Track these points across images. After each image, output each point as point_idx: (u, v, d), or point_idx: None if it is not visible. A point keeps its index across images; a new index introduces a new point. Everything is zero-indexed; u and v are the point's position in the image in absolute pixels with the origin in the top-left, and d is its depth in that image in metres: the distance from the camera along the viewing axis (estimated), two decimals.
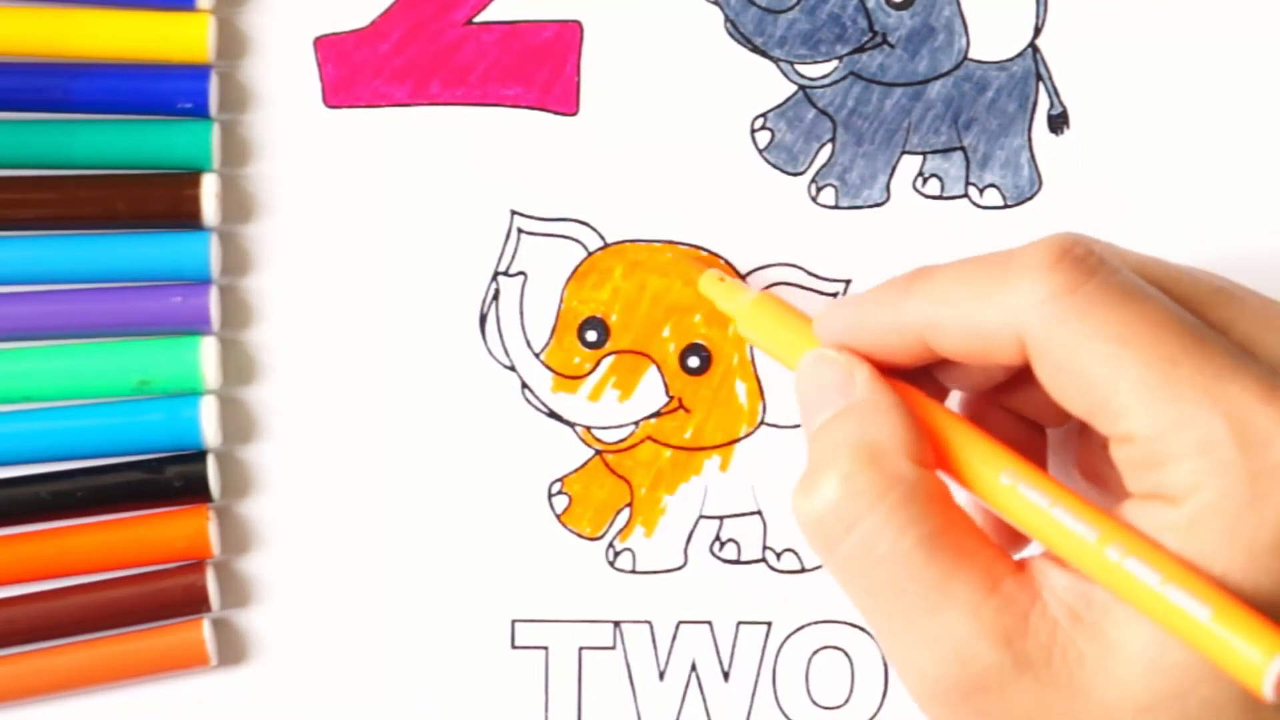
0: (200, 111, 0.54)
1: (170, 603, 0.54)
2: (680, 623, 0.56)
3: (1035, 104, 0.56)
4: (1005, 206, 0.56)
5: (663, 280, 0.55)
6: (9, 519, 0.54)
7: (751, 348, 0.55)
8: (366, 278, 0.55)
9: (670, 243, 0.56)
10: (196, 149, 0.54)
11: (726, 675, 0.56)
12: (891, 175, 0.56)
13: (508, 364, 0.56)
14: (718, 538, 0.56)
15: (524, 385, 0.56)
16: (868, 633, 0.56)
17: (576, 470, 0.56)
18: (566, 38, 0.55)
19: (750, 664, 0.56)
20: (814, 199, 0.56)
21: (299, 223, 0.55)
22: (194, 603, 0.54)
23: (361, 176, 0.55)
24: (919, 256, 0.55)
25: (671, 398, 0.56)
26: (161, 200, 0.54)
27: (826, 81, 0.56)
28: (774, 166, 0.56)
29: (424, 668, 0.56)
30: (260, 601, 0.56)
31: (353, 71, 0.55)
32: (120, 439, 0.54)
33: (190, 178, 0.54)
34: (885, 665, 0.56)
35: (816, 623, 0.56)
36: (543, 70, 0.55)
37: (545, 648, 0.56)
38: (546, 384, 0.56)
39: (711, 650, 0.56)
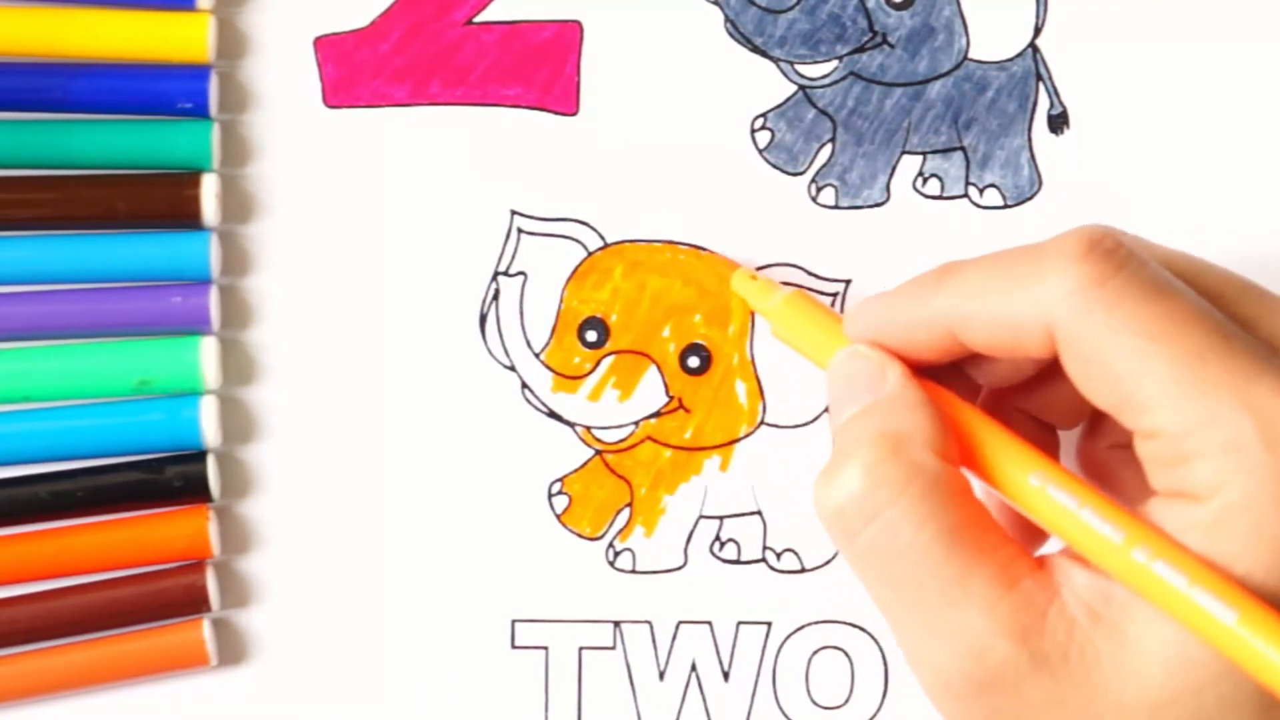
0: (200, 111, 0.54)
1: (170, 603, 0.54)
2: (680, 623, 0.56)
3: (1035, 104, 0.56)
4: (1005, 206, 0.56)
5: (663, 280, 0.55)
6: (9, 519, 0.54)
7: (751, 347, 0.55)
8: (366, 278, 0.55)
9: (670, 243, 0.56)
10: (196, 149, 0.54)
11: (726, 675, 0.56)
12: (891, 175, 0.56)
13: (508, 364, 0.56)
14: (718, 538, 0.56)
15: (524, 385, 0.56)
16: (868, 633, 0.56)
17: (576, 470, 0.56)
18: (566, 38, 0.55)
19: (750, 664, 0.56)
20: (814, 199, 0.56)
21: (299, 223, 0.55)
22: (194, 603, 0.54)
23: (361, 176, 0.55)
24: (919, 256, 0.55)
25: (671, 398, 0.56)
26: (161, 200, 0.54)
27: (826, 81, 0.56)
28: (774, 166, 0.56)
29: (424, 668, 0.56)
30: (260, 601, 0.56)
31: (353, 71, 0.55)
32: (120, 439, 0.54)
33: (190, 178, 0.54)
34: (885, 665, 0.56)
35: (816, 623, 0.56)
36: (543, 70, 0.55)
37: (545, 648, 0.56)
38: (546, 384, 0.56)
39: (711, 650, 0.56)
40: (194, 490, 0.54)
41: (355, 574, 0.55)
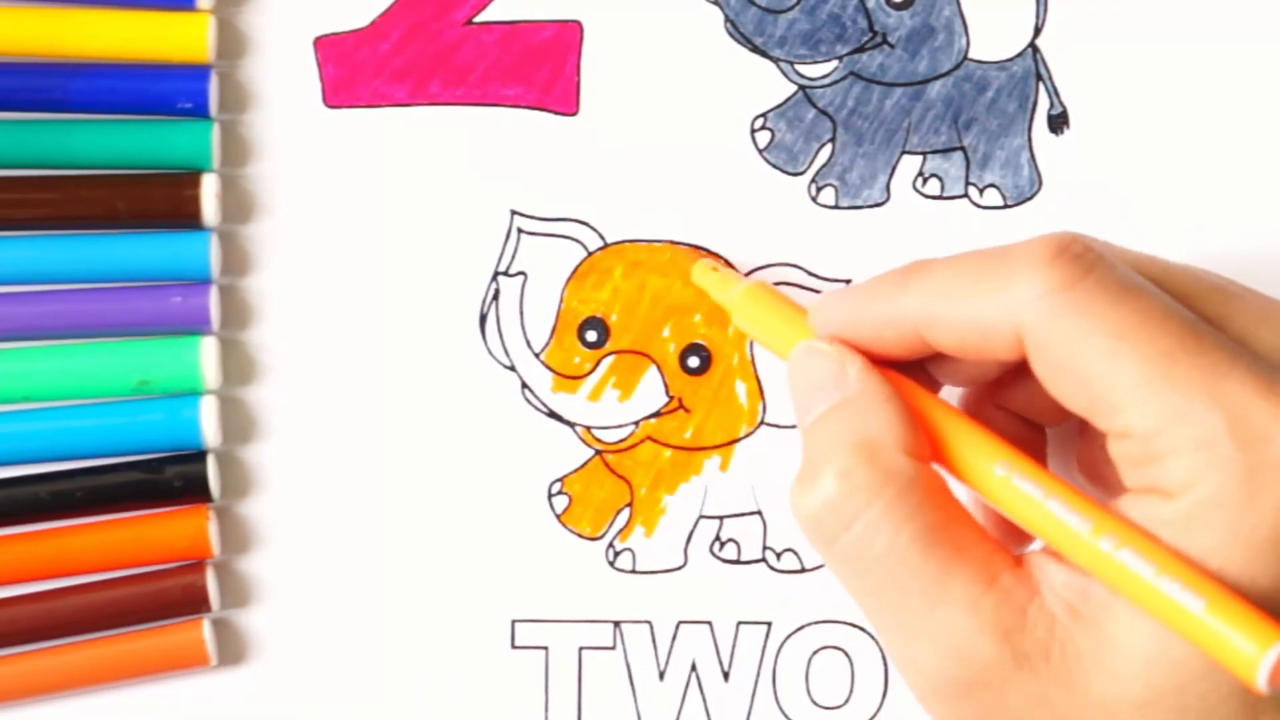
0: (200, 111, 0.54)
1: (170, 603, 0.54)
2: (680, 623, 0.56)
3: (1035, 104, 0.56)
4: (1005, 206, 0.56)
5: (663, 280, 0.55)
6: (9, 519, 0.54)
7: (751, 347, 0.55)
8: (366, 278, 0.55)
9: (671, 243, 0.56)
10: (196, 149, 0.54)
11: (726, 675, 0.56)
12: (891, 175, 0.56)
13: (508, 364, 0.56)
14: (718, 538, 0.56)
15: (524, 385, 0.56)
16: (868, 633, 0.56)
17: (576, 470, 0.56)
18: (566, 38, 0.55)
19: (750, 664, 0.56)
20: (814, 199, 0.56)
21: (299, 223, 0.55)
22: (194, 603, 0.54)
23: (361, 176, 0.55)
24: (919, 256, 0.55)
25: (671, 398, 0.56)
26: (161, 200, 0.54)
27: (826, 81, 0.56)
28: (774, 166, 0.56)
29: (424, 668, 0.56)
30: (260, 601, 0.56)
31: (353, 71, 0.55)
32: (120, 439, 0.54)
33: (190, 178, 0.54)
34: (885, 665, 0.56)
35: (816, 623, 0.56)
36: (543, 70, 0.55)
37: (545, 648, 0.56)
38: (546, 384, 0.56)
39: (711, 650, 0.56)
40: (194, 490, 0.54)
41: (355, 574, 0.55)
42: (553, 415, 0.56)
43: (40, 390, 0.54)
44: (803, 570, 0.56)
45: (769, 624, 0.56)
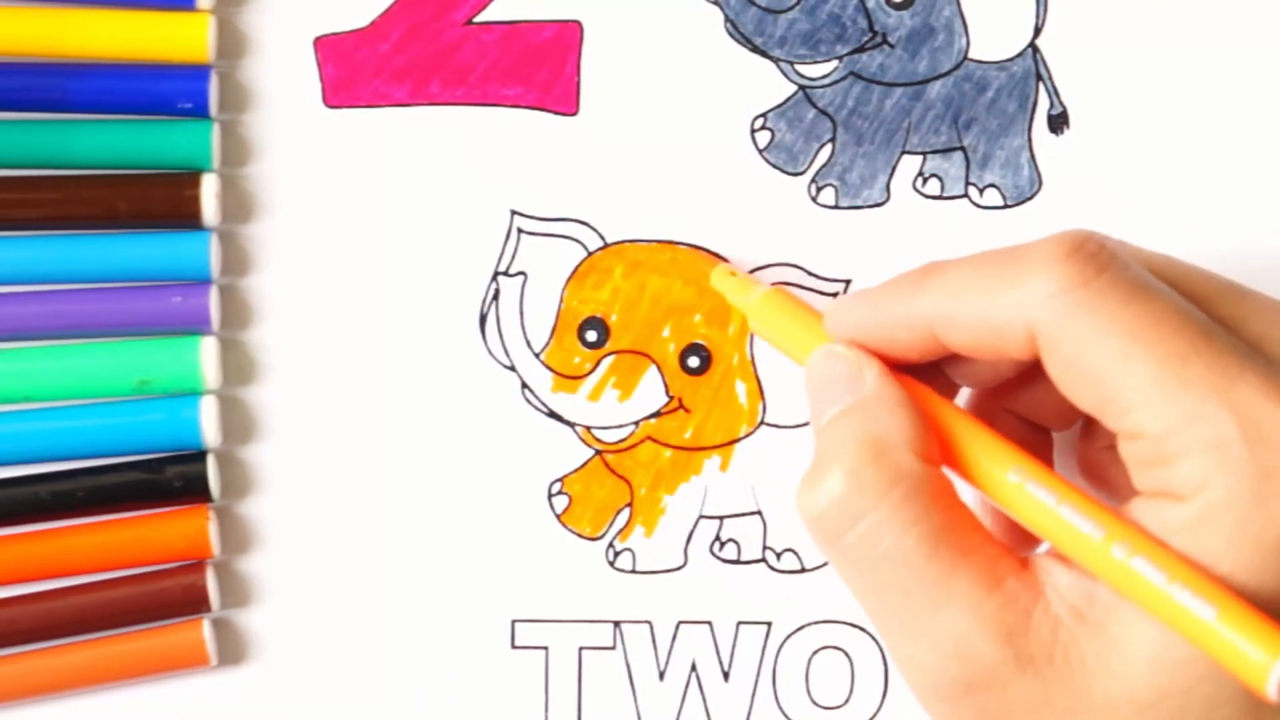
0: (200, 111, 0.54)
1: (170, 603, 0.54)
2: (680, 623, 0.56)
3: (1035, 104, 0.56)
4: (1005, 206, 0.56)
5: (663, 280, 0.55)
6: (9, 519, 0.54)
7: (751, 347, 0.55)
8: (366, 278, 0.55)
9: (670, 243, 0.56)
10: (196, 149, 0.54)
11: (726, 675, 0.56)
12: (891, 175, 0.56)
13: (508, 364, 0.56)
14: (718, 538, 0.56)
15: (524, 385, 0.56)
16: (868, 633, 0.56)
17: (576, 470, 0.56)
18: (566, 38, 0.55)
19: (750, 664, 0.56)
20: (814, 199, 0.56)
21: (299, 223, 0.55)
22: (194, 603, 0.54)
23: (361, 176, 0.55)
24: (919, 256, 0.55)
25: (671, 398, 0.56)
26: (161, 200, 0.54)
27: (826, 81, 0.56)
28: (774, 166, 0.56)
29: (424, 668, 0.56)
30: (260, 601, 0.56)
31: (353, 71, 0.55)
32: (120, 439, 0.54)
33: (190, 178, 0.54)
34: (885, 665, 0.56)
35: (816, 623, 0.56)
36: (543, 70, 0.55)
37: (545, 648, 0.56)
38: (546, 384, 0.56)
39: (711, 650, 0.56)
40: (194, 490, 0.54)
41: (355, 574, 0.55)
42: (553, 415, 0.56)
43: (40, 390, 0.54)
44: (803, 570, 0.56)
45: (769, 624, 0.56)
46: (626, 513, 0.56)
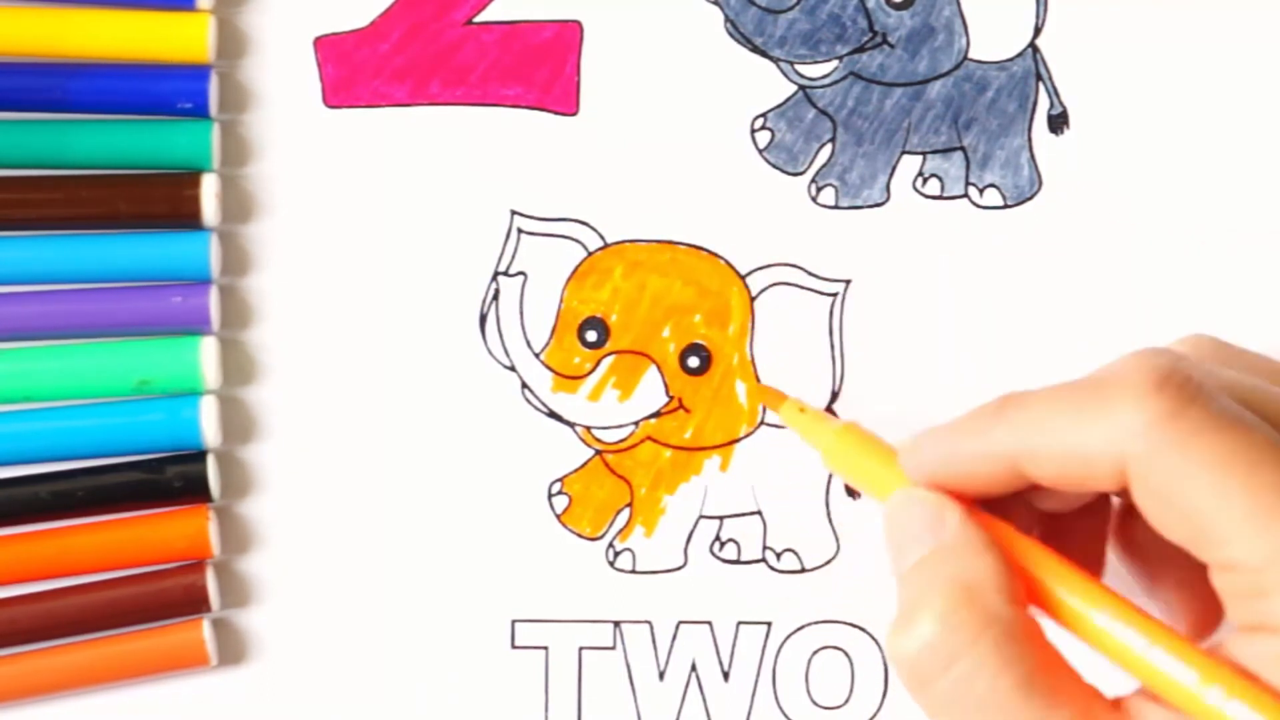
0: (200, 111, 0.54)
1: (170, 603, 0.54)
2: (680, 623, 0.56)
3: (1035, 104, 0.56)
4: (1005, 206, 0.56)
5: (663, 280, 0.55)
6: (9, 519, 0.54)
7: (752, 347, 0.55)
8: (366, 278, 0.55)
9: (670, 243, 0.56)
10: (196, 149, 0.54)
11: (726, 675, 0.56)
12: (891, 175, 0.56)
13: (508, 364, 0.56)
14: (718, 538, 0.56)
15: (524, 385, 0.56)
16: (868, 633, 0.56)
17: (576, 470, 0.56)
18: (566, 38, 0.55)
19: (750, 664, 0.56)
20: (814, 199, 0.56)
21: (299, 223, 0.55)
22: (194, 603, 0.54)
23: (361, 176, 0.55)
24: (919, 256, 0.55)
25: (671, 398, 0.56)
26: (161, 200, 0.54)
27: (826, 81, 0.56)
28: (774, 166, 0.56)
29: (424, 668, 0.56)
30: (260, 601, 0.56)
31: (353, 71, 0.55)
32: (120, 439, 0.54)
33: (190, 178, 0.54)
34: (885, 665, 0.56)
35: (816, 623, 0.56)
36: (543, 70, 0.55)
37: (545, 648, 0.56)
38: (546, 384, 0.56)
39: (711, 650, 0.56)
40: (194, 490, 0.54)
41: (355, 574, 0.55)
42: (553, 415, 0.56)
43: (40, 390, 0.54)
44: (803, 570, 0.56)
45: (769, 624, 0.56)
46: (626, 513, 0.56)
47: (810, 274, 0.56)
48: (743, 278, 0.55)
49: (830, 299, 0.55)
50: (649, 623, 0.56)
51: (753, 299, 0.55)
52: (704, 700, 0.56)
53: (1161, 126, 0.55)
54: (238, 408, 0.55)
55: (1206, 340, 0.49)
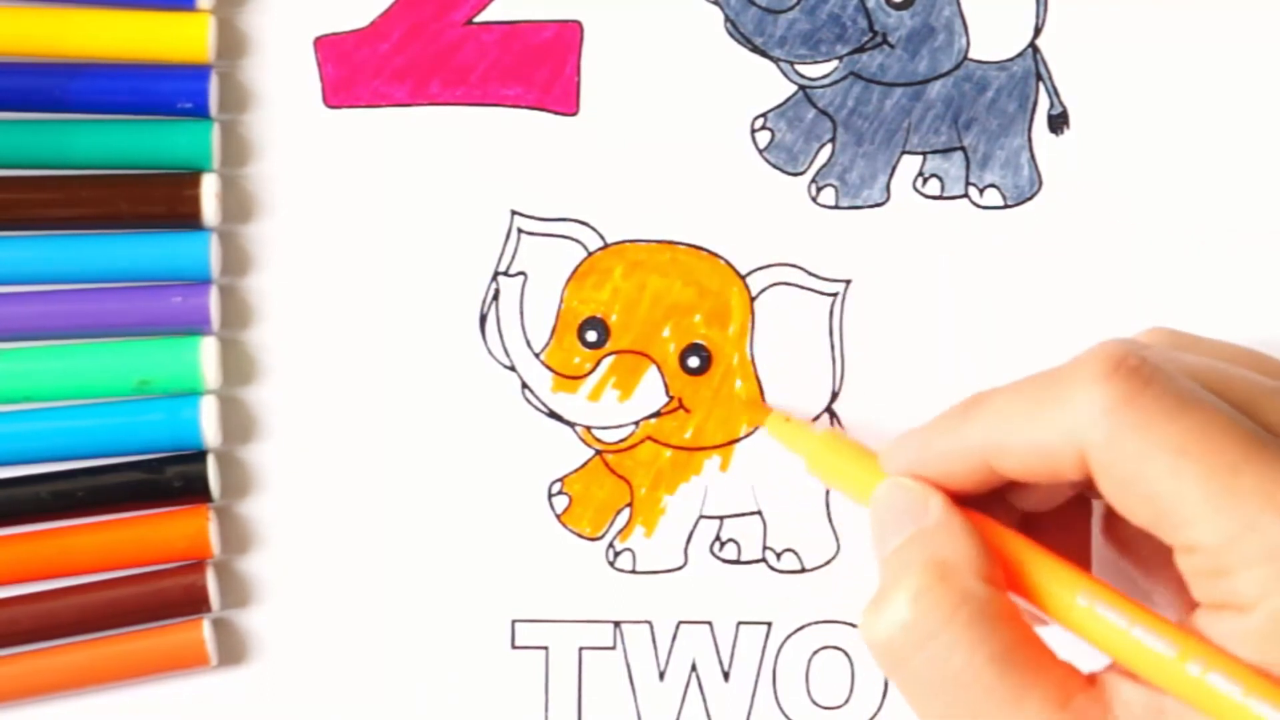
0: (200, 111, 0.54)
1: (170, 603, 0.54)
2: (680, 623, 0.56)
3: (1035, 104, 0.56)
4: (1005, 206, 0.56)
5: (663, 280, 0.55)
6: (9, 519, 0.54)
7: (752, 347, 0.55)
8: (366, 278, 0.55)
9: (670, 243, 0.56)
10: (196, 149, 0.54)
11: (726, 675, 0.56)
12: (891, 175, 0.56)
13: (508, 364, 0.56)
14: (718, 538, 0.56)
15: (524, 385, 0.56)
16: None
17: (576, 470, 0.56)
18: (566, 38, 0.55)
19: (750, 664, 0.56)
20: (814, 199, 0.56)
21: (299, 223, 0.55)
22: (194, 603, 0.54)
23: (361, 176, 0.55)
24: (919, 256, 0.56)
25: (671, 398, 0.56)
26: (161, 200, 0.54)
27: (826, 81, 0.56)
28: (774, 166, 0.56)
29: (424, 668, 0.56)
30: (260, 601, 0.56)
31: (353, 71, 0.55)
32: (120, 439, 0.54)
33: (190, 178, 0.54)
34: None
35: (816, 623, 0.56)
36: (543, 70, 0.55)
37: (545, 648, 0.56)
38: (546, 384, 0.56)
39: (711, 650, 0.56)
40: (194, 490, 0.54)
41: (355, 574, 0.55)
42: (553, 415, 0.56)
43: (40, 390, 0.54)
44: (803, 570, 0.56)
45: (769, 624, 0.56)
46: (626, 513, 0.56)
47: (810, 274, 0.56)
48: (743, 278, 0.55)
49: (830, 299, 0.55)
50: (649, 623, 0.56)
51: (753, 299, 0.55)
52: (704, 700, 0.56)
53: (1161, 126, 0.55)
54: (238, 408, 0.55)
55: (1165, 330, 0.49)
